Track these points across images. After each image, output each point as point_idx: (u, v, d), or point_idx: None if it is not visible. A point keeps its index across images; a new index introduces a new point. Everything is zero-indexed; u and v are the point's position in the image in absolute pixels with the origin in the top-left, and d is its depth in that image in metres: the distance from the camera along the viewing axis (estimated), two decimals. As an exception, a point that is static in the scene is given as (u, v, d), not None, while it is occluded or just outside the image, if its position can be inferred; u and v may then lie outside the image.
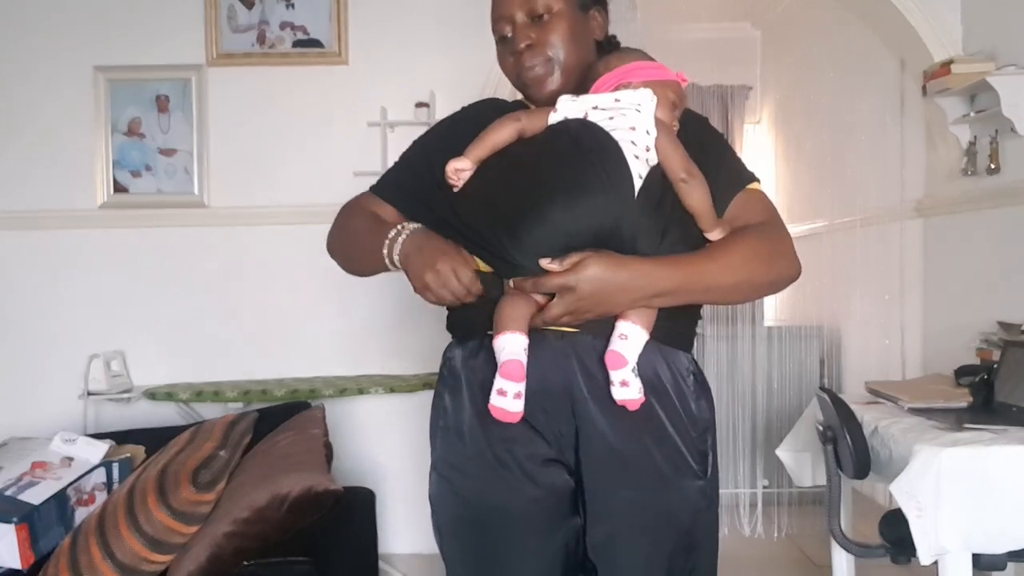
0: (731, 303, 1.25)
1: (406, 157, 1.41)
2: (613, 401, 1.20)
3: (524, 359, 1.17)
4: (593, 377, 1.21)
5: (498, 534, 1.25)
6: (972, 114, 2.92)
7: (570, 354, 1.21)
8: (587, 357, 1.21)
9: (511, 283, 1.18)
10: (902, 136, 3.53)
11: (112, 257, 3.23)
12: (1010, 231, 2.80)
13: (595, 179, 1.14)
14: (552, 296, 1.16)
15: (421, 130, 3.58)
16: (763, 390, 3.81)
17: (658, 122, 1.20)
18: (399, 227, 1.24)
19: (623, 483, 1.23)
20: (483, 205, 1.19)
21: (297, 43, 3.21)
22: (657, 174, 1.19)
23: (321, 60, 3.21)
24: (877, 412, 2.29)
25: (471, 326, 1.28)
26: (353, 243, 1.36)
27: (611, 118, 1.19)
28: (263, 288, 3.24)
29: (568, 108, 1.22)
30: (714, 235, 1.23)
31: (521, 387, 1.17)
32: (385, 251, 1.24)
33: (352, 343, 3.23)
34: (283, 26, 3.19)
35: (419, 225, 1.25)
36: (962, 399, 2.32)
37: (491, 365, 1.20)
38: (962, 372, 2.45)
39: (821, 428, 2.34)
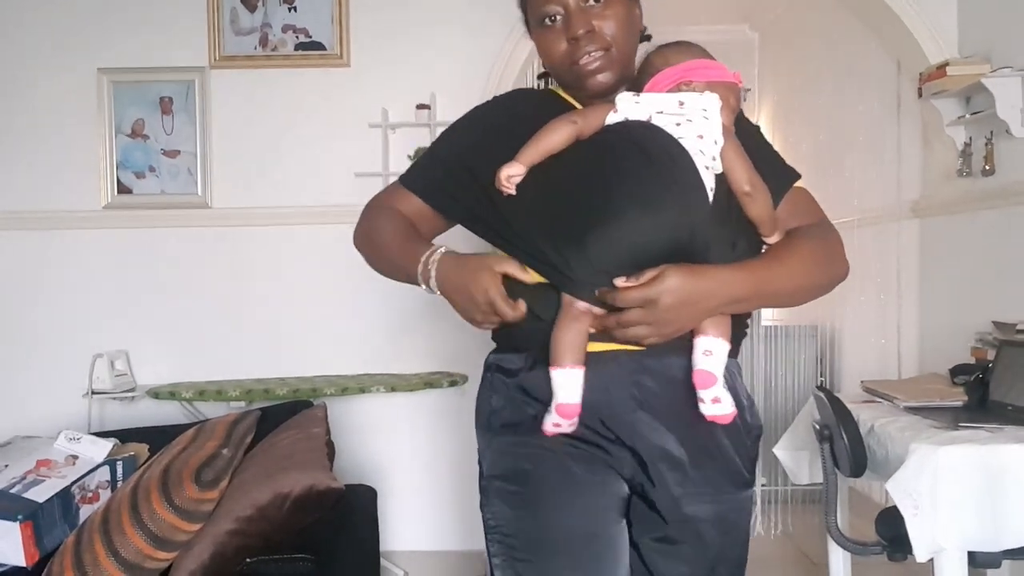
0: (791, 306, 1.24)
1: (436, 151, 1.34)
2: (678, 417, 1.17)
3: (579, 398, 1.13)
4: (659, 393, 1.17)
5: (575, 555, 1.19)
6: (968, 116, 2.93)
7: (636, 370, 1.17)
8: (653, 373, 1.17)
9: (596, 293, 1.11)
10: (898, 137, 3.54)
11: (116, 257, 3.25)
12: (1005, 232, 2.81)
13: (667, 193, 1.07)
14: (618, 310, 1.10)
15: (422, 131, 3.56)
16: (760, 389, 3.83)
17: (724, 130, 1.13)
18: (428, 253, 1.18)
19: (685, 496, 1.20)
20: (542, 217, 1.12)
21: (299, 45, 3.22)
22: (722, 182, 1.13)
23: (323, 62, 3.23)
24: (873, 411, 2.30)
25: (526, 342, 1.20)
26: (381, 250, 1.29)
27: (678, 124, 1.11)
28: (265, 288, 3.26)
29: (630, 109, 1.14)
30: (773, 239, 1.19)
31: (575, 420, 1.14)
32: (420, 277, 1.19)
33: (354, 342, 3.25)
34: (285, 29, 3.21)
35: (445, 249, 1.18)
36: (958, 398, 2.33)
37: (547, 379, 1.15)
38: (958, 371, 2.46)
39: (818, 427, 2.35)
